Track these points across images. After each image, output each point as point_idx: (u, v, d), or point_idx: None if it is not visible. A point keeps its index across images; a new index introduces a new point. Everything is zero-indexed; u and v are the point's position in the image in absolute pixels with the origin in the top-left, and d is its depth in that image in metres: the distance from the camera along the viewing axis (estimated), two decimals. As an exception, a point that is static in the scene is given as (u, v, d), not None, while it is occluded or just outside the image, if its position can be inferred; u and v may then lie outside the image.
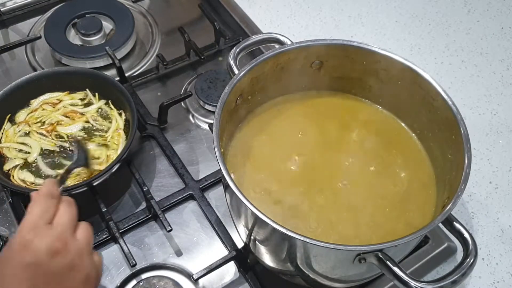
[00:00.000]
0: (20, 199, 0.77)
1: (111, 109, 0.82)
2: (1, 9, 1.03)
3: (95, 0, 1.02)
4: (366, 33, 1.05)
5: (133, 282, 0.71)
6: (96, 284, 0.56)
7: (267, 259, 0.65)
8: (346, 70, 0.72)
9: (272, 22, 1.07)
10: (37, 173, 0.75)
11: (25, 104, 0.82)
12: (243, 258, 0.72)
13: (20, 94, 0.80)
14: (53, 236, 0.52)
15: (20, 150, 0.77)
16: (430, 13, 1.10)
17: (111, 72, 0.93)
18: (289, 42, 0.70)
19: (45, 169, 0.76)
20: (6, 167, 0.75)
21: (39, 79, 0.82)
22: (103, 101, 0.83)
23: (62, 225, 0.54)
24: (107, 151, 0.77)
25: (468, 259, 0.55)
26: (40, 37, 0.98)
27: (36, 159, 0.76)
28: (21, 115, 0.81)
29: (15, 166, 0.75)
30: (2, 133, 0.79)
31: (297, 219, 0.63)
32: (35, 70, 0.95)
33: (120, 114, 0.81)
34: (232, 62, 0.68)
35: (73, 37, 0.99)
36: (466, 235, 0.58)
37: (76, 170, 0.74)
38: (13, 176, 0.75)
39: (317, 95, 0.76)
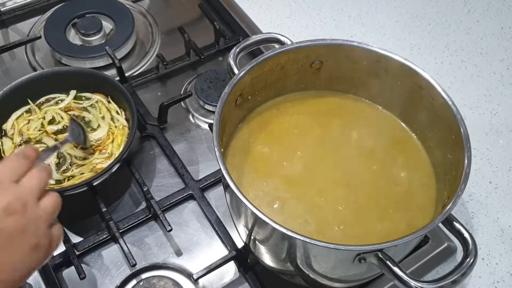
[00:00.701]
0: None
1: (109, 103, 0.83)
2: (1, 9, 1.03)
3: (95, 0, 1.02)
4: (366, 33, 1.05)
5: (133, 282, 0.71)
6: (46, 255, 0.54)
7: (267, 259, 0.65)
8: (346, 70, 0.72)
9: (272, 22, 1.07)
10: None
11: (24, 104, 0.82)
12: (243, 258, 0.72)
13: (20, 94, 0.80)
14: (14, 194, 0.51)
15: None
16: (430, 13, 1.10)
17: (111, 72, 0.93)
18: (289, 42, 0.70)
19: (54, 173, 0.75)
20: None
21: (39, 79, 0.81)
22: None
23: (28, 188, 0.52)
24: (112, 147, 0.77)
25: (468, 259, 0.55)
26: (40, 37, 0.98)
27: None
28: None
29: None
30: (13, 126, 0.79)
31: (297, 219, 0.63)
32: (35, 70, 0.95)
33: (119, 113, 0.81)
34: (232, 62, 0.68)
35: (73, 37, 0.99)
36: (466, 235, 0.58)
37: (78, 169, 0.74)
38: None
39: (317, 95, 0.76)
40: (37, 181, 0.53)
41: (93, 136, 0.79)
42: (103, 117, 0.81)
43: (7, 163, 0.53)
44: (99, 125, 0.80)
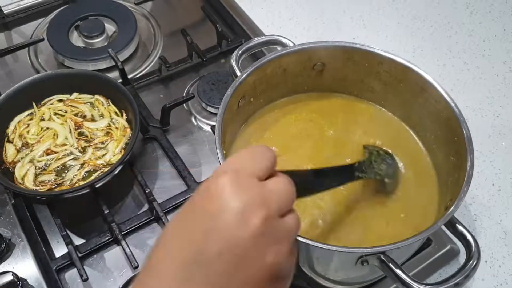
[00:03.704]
0: (22, 201, 0.77)
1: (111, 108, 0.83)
2: (5, 12, 1.03)
3: (97, 2, 1.03)
4: (368, 35, 1.05)
5: (136, 284, 0.71)
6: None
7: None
8: (349, 72, 0.72)
9: (274, 24, 1.07)
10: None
11: (28, 106, 0.82)
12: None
13: (23, 96, 0.80)
14: (259, 193, 0.36)
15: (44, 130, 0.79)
16: (432, 15, 1.10)
17: (114, 74, 0.93)
18: (291, 44, 0.70)
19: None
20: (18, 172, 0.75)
21: (42, 81, 0.81)
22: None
23: (276, 191, 0.37)
24: (115, 148, 0.78)
25: (471, 262, 0.55)
26: (43, 39, 0.98)
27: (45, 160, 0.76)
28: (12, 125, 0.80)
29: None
30: (15, 130, 0.79)
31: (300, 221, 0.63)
32: (38, 72, 0.95)
33: (119, 115, 0.82)
34: (234, 64, 0.68)
35: (76, 39, 0.99)
36: (469, 237, 0.57)
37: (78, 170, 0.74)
38: (21, 178, 0.75)
39: (320, 97, 0.76)
40: (285, 190, 0.39)
41: (93, 125, 0.80)
42: (101, 115, 0.81)
43: (249, 153, 0.39)
44: (98, 118, 0.81)
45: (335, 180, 0.55)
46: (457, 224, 0.58)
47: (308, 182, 0.46)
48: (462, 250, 0.60)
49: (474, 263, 0.55)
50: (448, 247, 0.74)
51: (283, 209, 0.38)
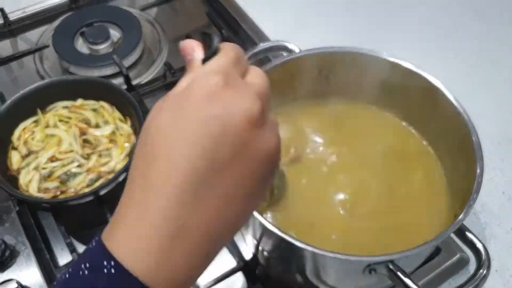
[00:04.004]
0: (27, 208, 0.76)
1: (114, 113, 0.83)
2: (10, 18, 1.03)
3: (103, 9, 1.03)
4: (375, 40, 1.04)
5: (140, 292, 0.71)
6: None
7: (276, 270, 0.64)
8: (355, 78, 0.71)
9: (280, 29, 1.06)
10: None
11: (33, 113, 0.82)
12: (251, 269, 0.71)
13: (28, 103, 0.80)
14: (251, 94, 0.36)
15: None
16: (440, 20, 1.09)
17: (119, 81, 0.93)
18: (297, 50, 0.70)
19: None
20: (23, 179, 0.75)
21: (47, 88, 0.81)
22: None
23: (260, 87, 0.38)
24: (119, 155, 0.77)
25: (481, 271, 0.54)
26: (48, 46, 0.98)
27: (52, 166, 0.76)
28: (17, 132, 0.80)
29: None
30: (20, 137, 0.79)
31: (305, 229, 0.62)
32: (43, 78, 0.95)
33: (123, 121, 0.81)
34: (239, 70, 0.68)
35: (81, 46, 0.99)
36: (479, 245, 0.57)
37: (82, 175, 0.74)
38: (26, 185, 0.74)
39: (326, 103, 0.75)
40: (264, 81, 0.40)
41: (97, 132, 0.79)
42: (106, 121, 0.81)
43: (231, 51, 0.39)
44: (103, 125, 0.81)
45: None
46: (466, 232, 0.57)
47: None
48: (472, 259, 0.59)
49: (484, 272, 0.54)
50: (458, 255, 0.73)
51: (269, 100, 0.40)
